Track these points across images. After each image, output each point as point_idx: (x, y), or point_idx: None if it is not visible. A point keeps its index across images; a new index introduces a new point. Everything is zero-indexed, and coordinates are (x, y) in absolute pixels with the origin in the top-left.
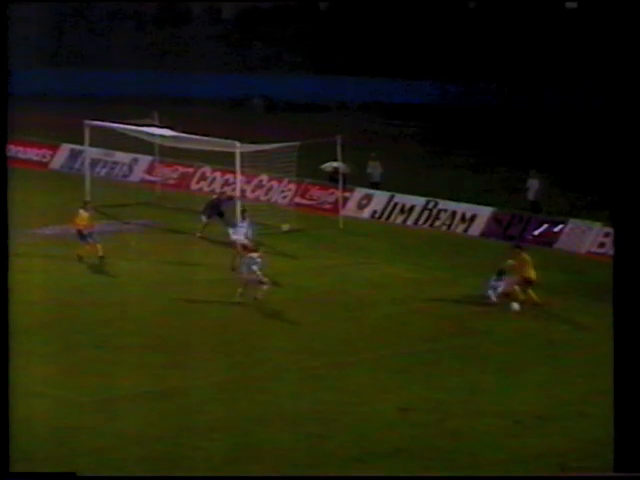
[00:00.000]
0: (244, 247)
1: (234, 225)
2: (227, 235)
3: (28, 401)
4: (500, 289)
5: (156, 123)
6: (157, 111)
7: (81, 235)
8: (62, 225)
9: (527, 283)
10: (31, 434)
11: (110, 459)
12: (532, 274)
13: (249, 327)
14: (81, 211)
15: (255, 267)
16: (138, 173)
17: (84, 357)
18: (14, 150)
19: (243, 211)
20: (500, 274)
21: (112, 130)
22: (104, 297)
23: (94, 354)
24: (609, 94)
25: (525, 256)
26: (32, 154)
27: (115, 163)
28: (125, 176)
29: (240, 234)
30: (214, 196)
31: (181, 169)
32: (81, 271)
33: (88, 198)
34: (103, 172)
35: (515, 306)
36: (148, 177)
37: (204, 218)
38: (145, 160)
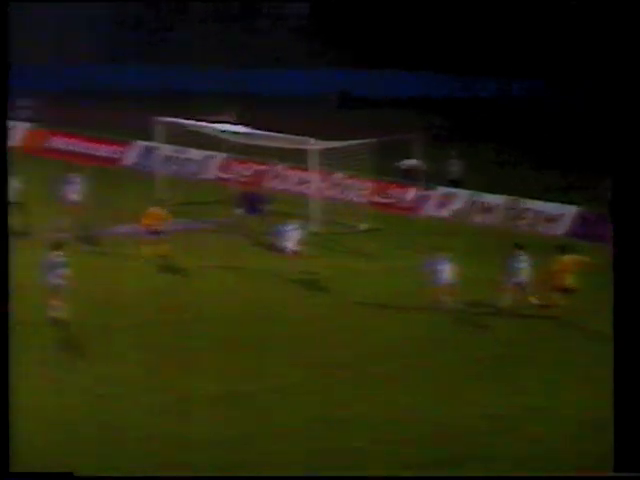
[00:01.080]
0: (295, 253)
1: (280, 229)
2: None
3: (104, 403)
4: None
5: (231, 120)
6: (232, 108)
7: (151, 233)
8: (133, 224)
9: (563, 291)
10: (109, 437)
11: (184, 463)
12: (569, 280)
13: (324, 328)
14: (152, 209)
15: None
16: (211, 170)
17: (158, 358)
18: (85, 147)
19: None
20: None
21: (185, 127)
22: (176, 298)
23: (168, 355)
24: None
25: (568, 260)
26: (104, 151)
27: (188, 160)
28: (198, 173)
29: (290, 239)
30: (245, 188)
31: (255, 166)
32: (153, 271)
33: (160, 196)
34: (176, 169)
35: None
36: (222, 175)
37: (240, 211)
38: (219, 157)
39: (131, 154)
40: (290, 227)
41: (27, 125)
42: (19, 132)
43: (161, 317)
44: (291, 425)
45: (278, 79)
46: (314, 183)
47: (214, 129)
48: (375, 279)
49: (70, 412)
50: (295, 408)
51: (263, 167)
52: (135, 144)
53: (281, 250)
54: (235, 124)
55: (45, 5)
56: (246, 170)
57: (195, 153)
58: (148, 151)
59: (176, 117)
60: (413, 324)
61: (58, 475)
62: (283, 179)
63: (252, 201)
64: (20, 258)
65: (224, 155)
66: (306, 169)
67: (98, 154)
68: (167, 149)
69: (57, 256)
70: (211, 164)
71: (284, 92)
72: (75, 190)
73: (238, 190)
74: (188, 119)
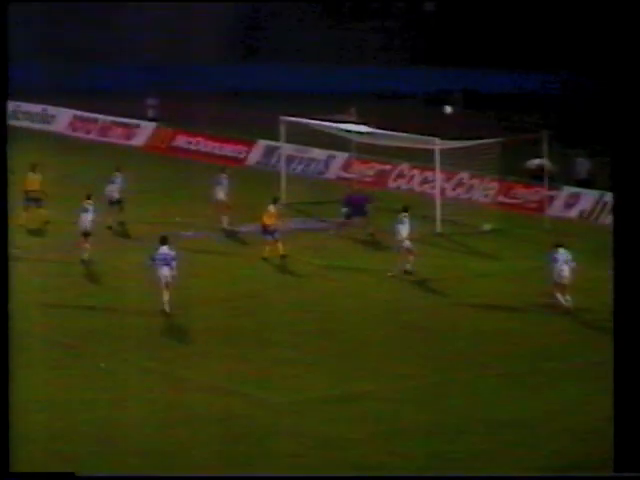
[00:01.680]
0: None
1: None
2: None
3: (230, 401)
4: None
5: (353, 119)
6: (354, 107)
7: (266, 232)
8: (257, 223)
9: None
10: (217, 432)
11: (304, 464)
12: None
13: (445, 330)
14: (270, 207)
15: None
16: (334, 170)
17: (276, 357)
18: (211, 146)
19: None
20: None
21: (309, 126)
22: (294, 296)
23: (286, 354)
24: None
25: None
26: (228, 150)
27: (311, 160)
28: (321, 173)
29: (404, 236)
30: (353, 190)
31: (378, 166)
32: (272, 270)
33: (283, 195)
34: (299, 169)
35: None
36: (344, 174)
37: (346, 210)
38: (341, 157)
39: (255, 153)
40: (402, 225)
41: (153, 124)
42: (145, 131)
43: (281, 317)
44: (421, 426)
45: (403, 77)
46: (438, 183)
47: (338, 128)
48: (498, 280)
49: (195, 407)
50: (425, 409)
51: (386, 167)
52: (259, 143)
53: (396, 249)
54: (358, 123)
55: (171, 5)
56: (369, 170)
57: (318, 152)
58: (271, 150)
59: (299, 116)
60: (537, 327)
61: (57, 475)
62: (407, 179)
63: (357, 202)
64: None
65: (346, 155)
66: (430, 169)
67: (222, 153)
68: (290, 148)
69: (166, 250)
70: (333, 164)
71: (408, 91)
72: (223, 189)
73: (346, 191)
74: (311, 118)
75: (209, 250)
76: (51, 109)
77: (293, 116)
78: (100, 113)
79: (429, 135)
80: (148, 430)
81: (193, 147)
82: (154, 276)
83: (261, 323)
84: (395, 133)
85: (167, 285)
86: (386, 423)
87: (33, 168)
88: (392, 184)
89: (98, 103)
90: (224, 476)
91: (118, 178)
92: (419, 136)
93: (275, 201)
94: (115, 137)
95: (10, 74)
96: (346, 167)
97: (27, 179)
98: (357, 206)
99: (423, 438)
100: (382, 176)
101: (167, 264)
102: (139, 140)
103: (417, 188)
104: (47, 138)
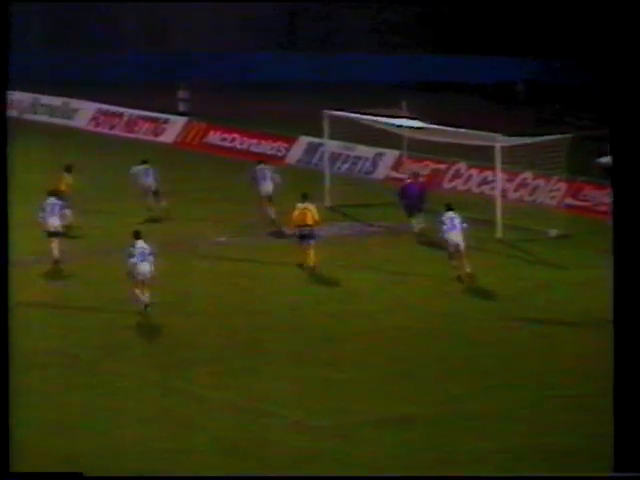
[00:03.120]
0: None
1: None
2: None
3: (260, 419)
4: None
5: (403, 113)
6: (404, 100)
7: (300, 235)
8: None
9: None
10: (250, 458)
11: None
12: None
13: (504, 347)
14: (300, 205)
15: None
16: (383, 169)
17: (317, 375)
18: (247, 143)
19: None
20: None
21: (354, 121)
22: (337, 309)
23: (326, 372)
24: None
25: None
26: (267, 147)
27: (357, 158)
28: (368, 172)
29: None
30: (408, 180)
31: (432, 165)
32: (312, 280)
33: (327, 197)
34: (344, 168)
35: None
36: (394, 174)
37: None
38: (391, 155)
39: (295, 151)
40: (449, 226)
41: (184, 119)
42: (175, 126)
43: (323, 332)
44: (479, 452)
45: (459, 67)
46: (499, 183)
47: (387, 123)
48: (564, 292)
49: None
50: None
51: (441, 166)
52: (300, 140)
53: (450, 254)
54: (410, 118)
55: None
56: (422, 169)
57: (364, 150)
58: (314, 148)
59: (344, 110)
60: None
61: (65, 475)
62: (464, 179)
63: (413, 193)
64: None
65: (397, 152)
66: (490, 168)
67: (259, 150)
68: (334, 145)
69: (143, 244)
70: (382, 162)
71: (464, 82)
72: (269, 185)
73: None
74: (357, 112)
75: (243, 258)
76: (73, 102)
77: (336, 110)
78: (125, 106)
79: (488, 131)
80: (170, 455)
81: (228, 144)
82: (129, 273)
83: (300, 338)
84: (451, 129)
85: (144, 283)
86: (437, 449)
87: (68, 169)
88: (447, 184)
89: (121, 96)
90: (224, 476)
91: (149, 170)
92: (477, 132)
93: (305, 198)
94: (142, 133)
95: (27, 64)
96: (396, 166)
97: (62, 179)
98: (414, 198)
99: (479, 466)
100: (436, 176)
101: (146, 260)
102: (168, 136)
103: (475, 189)
104: (67, 134)
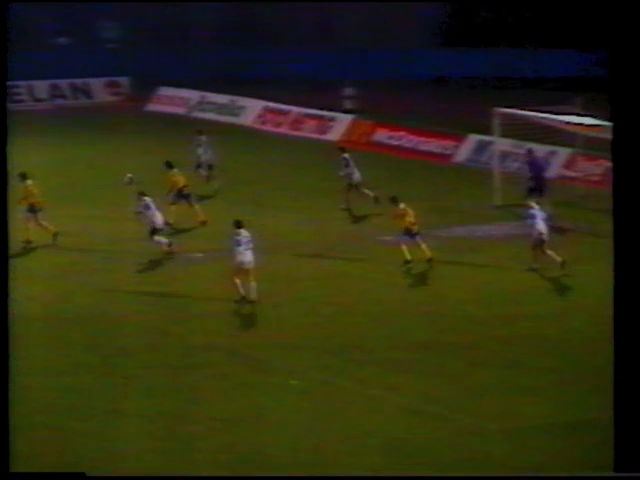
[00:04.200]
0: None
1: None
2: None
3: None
4: None
5: (577, 110)
6: (580, 96)
7: (409, 234)
8: (467, 225)
9: None
10: (419, 461)
11: None
12: None
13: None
14: (401, 206)
15: None
16: (555, 168)
17: (489, 378)
18: (415, 141)
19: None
20: None
21: (525, 118)
22: (513, 312)
23: (500, 375)
24: None
25: None
26: (434, 145)
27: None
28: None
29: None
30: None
31: (606, 164)
32: (483, 281)
33: (497, 197)
34: (514, 167)
35: None
36: (567, 173)
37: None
38: (564, 153)
39: (464, 149)
40: (534, 219)
41: (350, 117)
42: (341, 124)
43: (494, 332)
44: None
45: None
46: None
47: (559, 120)
48: None
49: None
50: None
51: None
52: (469, 138)
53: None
54: (584, 115)
55: None
56: (596, 168)
57: (536, 148)
58: (483, 146)
59: (514, 107)
60: None
61: (68, 475)
62: None
63: (540, 169)
64: None
65: (569, 151)
66: None
67: (426, 149)
68: (504, 143)
69: (246, 233)
70: (555, 161)
71: None
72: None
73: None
74: (528, 109)
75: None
76: (240, 100)
77: (502, 106)
78: (287, 104)
79: None
80: (341, 457)
81: (395, 142)
82: (233, 263)
83: (471, 341)
84: None
85: (249, 271)
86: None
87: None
88: None
89: (284, 94)
90: (224, 476)
91: (203, 140)
92: None
93: (394, 201)
94: (307, 131)
95: (191, 62)
96: (569, 165)
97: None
98: (541, 177)
99: None
100: (611, 175)
101: (250, 249)
102: (334, 134)
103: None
104: (234, 131)
